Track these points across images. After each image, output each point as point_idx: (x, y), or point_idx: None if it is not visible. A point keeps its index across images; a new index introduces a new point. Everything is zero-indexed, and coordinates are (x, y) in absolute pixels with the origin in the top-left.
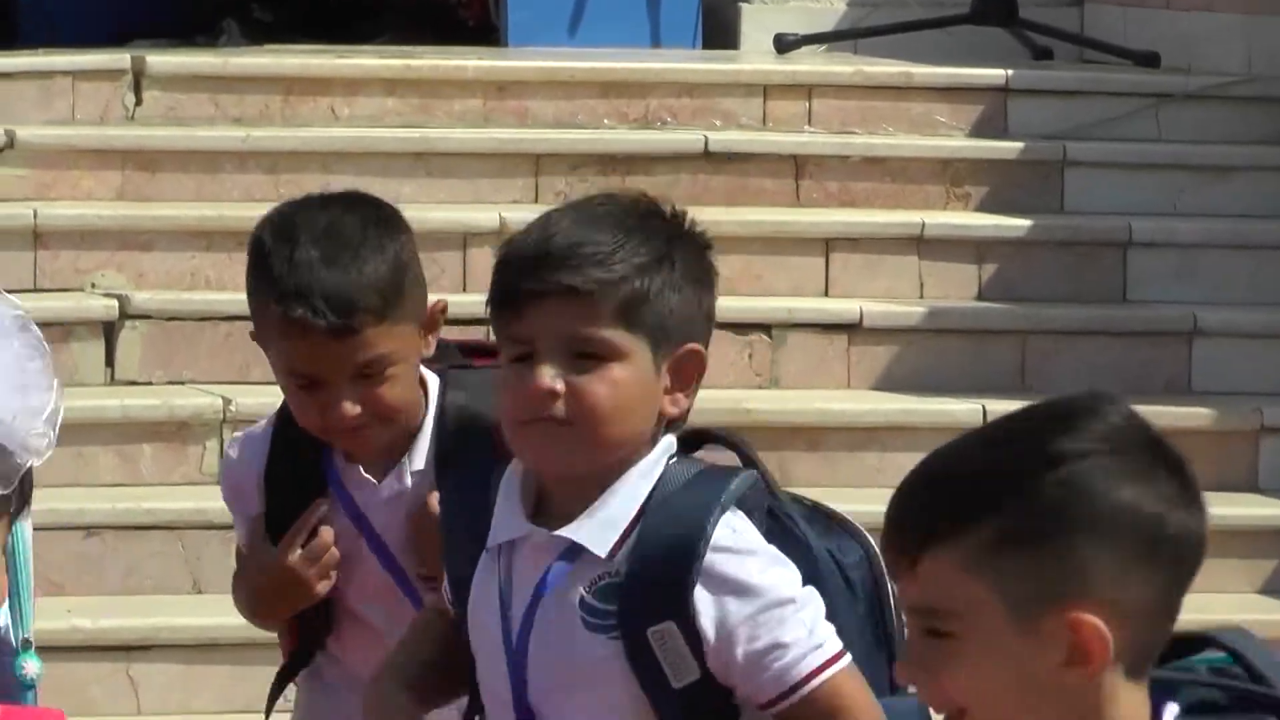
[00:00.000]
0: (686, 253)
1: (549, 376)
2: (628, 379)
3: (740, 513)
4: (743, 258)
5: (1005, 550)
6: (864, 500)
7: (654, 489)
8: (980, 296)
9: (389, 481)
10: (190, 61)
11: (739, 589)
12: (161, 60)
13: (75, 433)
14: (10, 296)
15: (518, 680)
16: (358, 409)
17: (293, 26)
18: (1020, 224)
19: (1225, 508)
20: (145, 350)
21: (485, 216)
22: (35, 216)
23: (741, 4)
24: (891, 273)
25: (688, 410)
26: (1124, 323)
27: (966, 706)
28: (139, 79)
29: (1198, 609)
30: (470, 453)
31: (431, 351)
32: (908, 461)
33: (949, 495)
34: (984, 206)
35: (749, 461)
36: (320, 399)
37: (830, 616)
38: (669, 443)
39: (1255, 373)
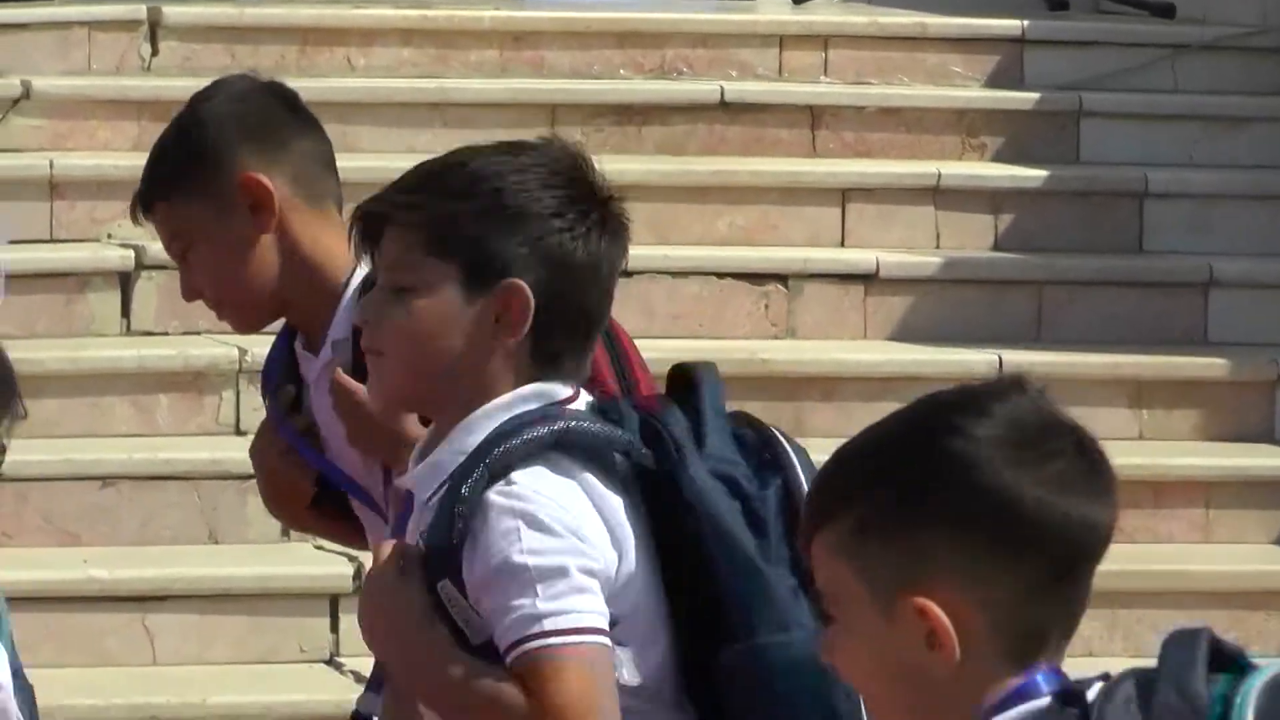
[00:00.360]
0: (521, 186)
1: (361, 308)
2: (426, 310)
3: (544, 468)
4: (759, 208)
5: (867, 535)
6: None
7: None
8: (996, 247)
9: (324, 352)
10: (206, 12)
11: (482, 547)
12: (178, 11)
13: (91, 383)
14: None
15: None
16: (183, 287)
17: None
18: (1036, 174)
19: (1241, 458)
20: (161, 301)
21: None
22: (51, 167)
23: None
24: (907, 223)
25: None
26: (1140, 273)
27: (857, 688)
28: (155, 30)
29: (1216, 560)
30: None
31: (267, 230)
32: None
33: (833, 479)
34: (1000, 157)
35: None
36: None
37: (714, 553)
38: (532, 391)
39: (1271, 323)
